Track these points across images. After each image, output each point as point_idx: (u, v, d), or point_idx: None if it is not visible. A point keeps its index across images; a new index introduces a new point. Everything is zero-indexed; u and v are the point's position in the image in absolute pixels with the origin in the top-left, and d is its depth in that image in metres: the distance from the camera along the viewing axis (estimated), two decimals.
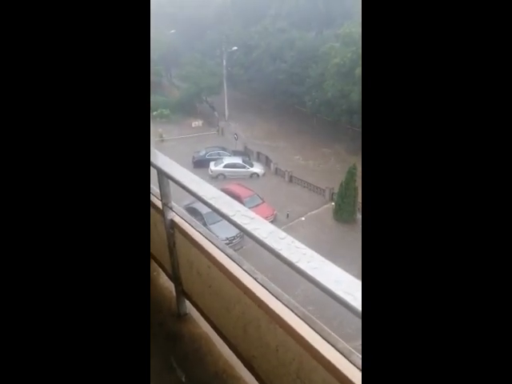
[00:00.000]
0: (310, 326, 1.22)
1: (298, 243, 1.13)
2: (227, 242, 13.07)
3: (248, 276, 1.45)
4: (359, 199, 16.66)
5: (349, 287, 0.96)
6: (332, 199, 17.82)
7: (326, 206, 17.92)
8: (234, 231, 13.43)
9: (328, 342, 1.17)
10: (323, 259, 1.07)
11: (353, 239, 15.67)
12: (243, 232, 1.24)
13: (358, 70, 19.55)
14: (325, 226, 16.64)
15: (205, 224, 12.59)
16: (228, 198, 1.40)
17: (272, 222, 15.70)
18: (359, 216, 16.84)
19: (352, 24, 21.21)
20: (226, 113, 27.42)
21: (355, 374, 1.07)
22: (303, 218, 17.14)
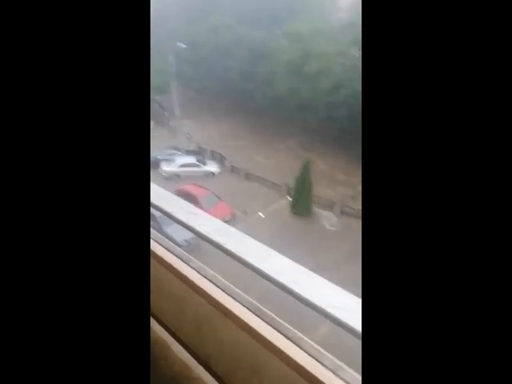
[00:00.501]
0: (261, 318, 1.23)
1: (244, 236, 1.14)
2: (186, 244, 12.84)
3: (197, 273, 1.42)
4: (314, 192, 17.15)
5: (296, 276, 0.98)
6: (289, 194, 18.15)
7: (283, 201, 18.21)
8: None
9: (280, 333, 1.18)
10: (270, 250, 1.08)
11: (310, 231, 16.12)
12: (186, 228, 1.21)
13: (307, 67, 20.03)
14: (283, 221, 16.90)
15: (160, 227, 12.25)
16: (173, 196, 1.38)
17: (231, 219, 15.68)
18: (315, 209, 17.33)
19: (299, 22, 21.64)
20: (177, 112, 26.85)
21: (309, 362, 1.09)
22: (262, 215, 17.29)
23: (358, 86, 19.00)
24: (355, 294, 0.99)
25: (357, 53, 19.56)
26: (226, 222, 15.16)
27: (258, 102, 24.06)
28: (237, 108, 26.50)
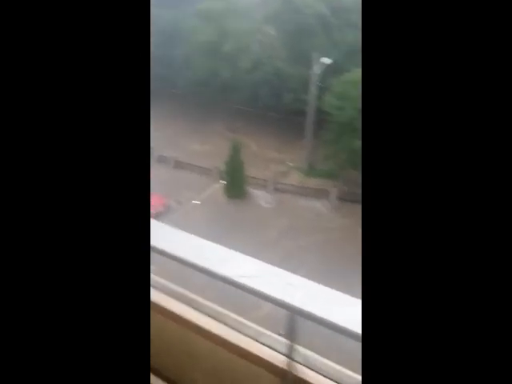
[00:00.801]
0: (187, 304, 1.29)
1: (158, 223, 1.18)
2: None
3: None
4: (247, 173, 17.33)
5: (212, 254, 1.05)
6: (221, 178, 18.10)
7: (216, 185, 18.14)
8: None
9: (206, 315, 1.25)
10: (182, 232, 1.14)
11: (246, 211, 16.38)
12: None
13: (226, 47, 19.75)
14: (219, 206, 16.91)
15: None
16: None
17: (165, 210, 15.25)
18: (249, 189, 17.58)
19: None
20: None
21: (240, 338, 1.18)
22: (197, 201, 17.07)
23: (277, 63, 19.33)
24: (295, 271, 1.01)
25: (272, 30, 19.73)
26: (160, 213, 14.73)
27: (177, 87, 23.25)
28: (156, 95, 25.35)
